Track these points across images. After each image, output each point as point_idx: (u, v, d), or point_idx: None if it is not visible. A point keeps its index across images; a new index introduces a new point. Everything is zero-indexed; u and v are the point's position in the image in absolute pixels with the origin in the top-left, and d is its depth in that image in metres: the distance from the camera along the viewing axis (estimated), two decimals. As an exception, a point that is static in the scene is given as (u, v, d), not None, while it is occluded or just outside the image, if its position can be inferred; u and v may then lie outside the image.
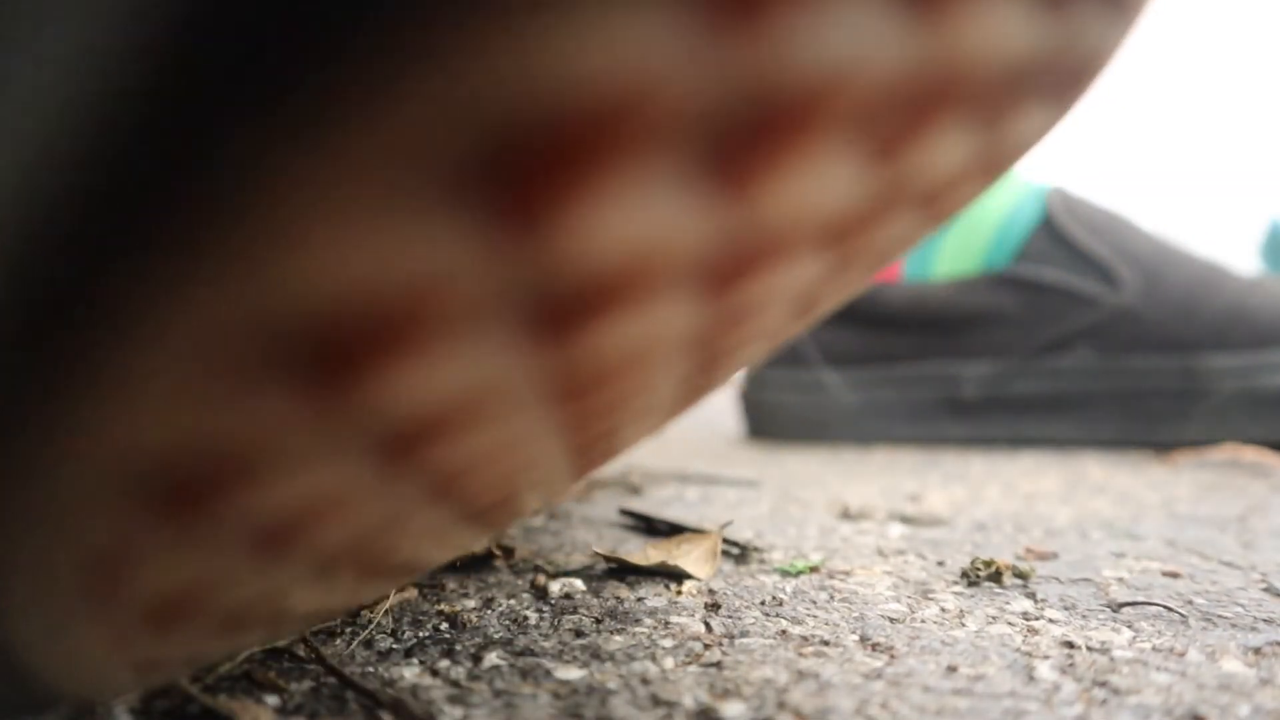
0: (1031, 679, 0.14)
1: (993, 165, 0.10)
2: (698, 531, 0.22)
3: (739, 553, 0.22)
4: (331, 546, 0.09)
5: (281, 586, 0.10)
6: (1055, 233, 0.45)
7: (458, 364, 0.07)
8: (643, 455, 0.42)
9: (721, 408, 0.70)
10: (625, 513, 0.26)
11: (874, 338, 0.48)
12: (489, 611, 0.17)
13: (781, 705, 0.13)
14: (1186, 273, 0.43)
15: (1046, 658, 0.15)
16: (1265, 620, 0.17)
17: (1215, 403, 0.42)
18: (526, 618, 0.17)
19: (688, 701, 0.13)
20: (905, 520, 0.26)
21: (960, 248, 0.47)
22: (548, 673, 0.14)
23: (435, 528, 0.11)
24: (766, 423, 0.50)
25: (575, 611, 0.17)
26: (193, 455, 0.06)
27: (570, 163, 0.06)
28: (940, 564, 0.21)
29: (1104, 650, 0.15)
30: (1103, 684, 0.14)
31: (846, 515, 0.27)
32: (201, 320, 0.06)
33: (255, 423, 0.06)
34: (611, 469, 0.36)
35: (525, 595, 0.18)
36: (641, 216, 0.06)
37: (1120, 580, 0.20)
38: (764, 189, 0.07)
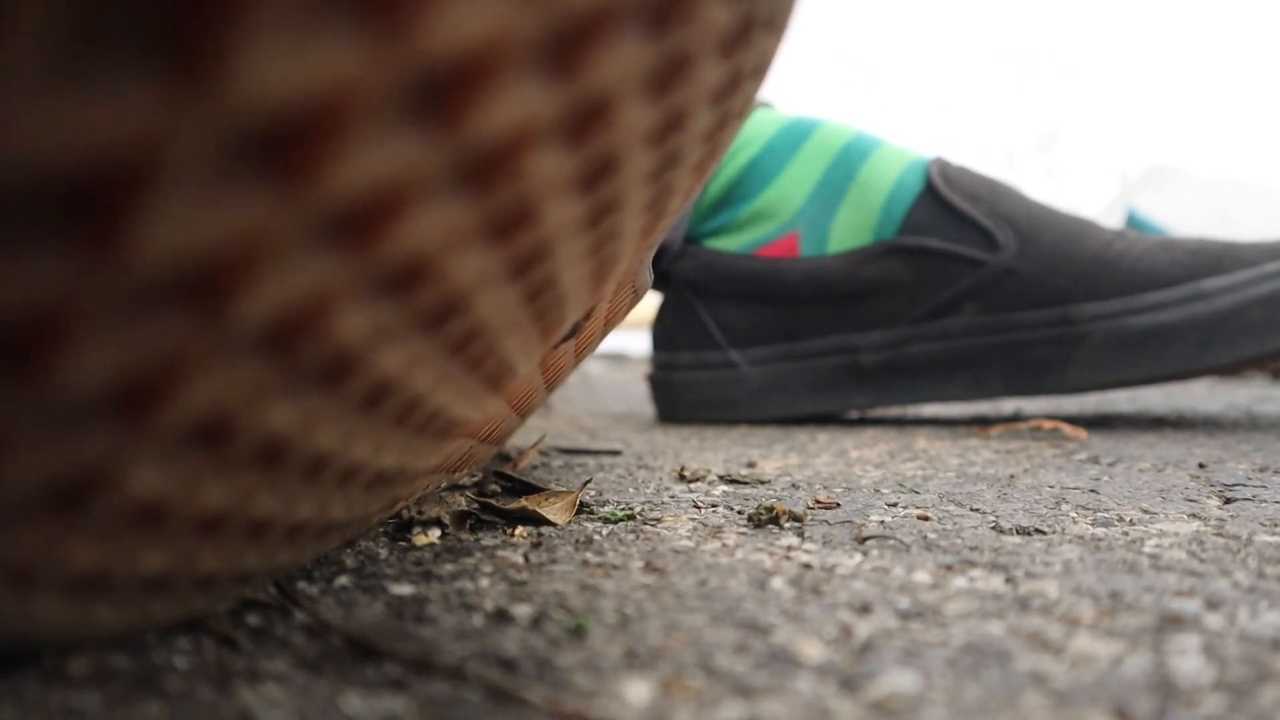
0: (763, 588, 0.18)
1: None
2: (561, 491, 0.26)
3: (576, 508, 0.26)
4: (200, 415, 0.10)
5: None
6: (936, 201, 0.49)
7: (375, 152, 0.08)
8: (521, 434, 0.45)
9: (613, 392, 0.74)
10: (497, 475, 0.30)
11: (775, 315, 0.51)
12: (348, 550, 0.21)
13: (560, 606, 0.17)
14: (1057, 230, 0.47)
15: (783, 574, 0.19)
16: (970, 548, 0.21)
17: (1090, 348, 0.46)
18: (379, 554, 0.20)
19: (488, 605, 0.17)
20: (732, 482, 0.31)
21: (852, 224, 0.50)
22: (385, 589, 0.18)
23: (326, 414, 0.12)
24: (676, 405, 0.53)
25: (419, 549, 0.21)
26: (209, 257, 0.08)
27: None
28: (740, 513, 0.25)
29: (830, 569, 0.19)
30: (814, 590, 0.18)
31: (682, 478, 0.31)
32: (188, 138, 0.07)
33: (242, 219, 0.08)
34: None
35: (383, 539, 0.22)
36: (479, 7, 0.08)
37: (880, 523, 0.24)
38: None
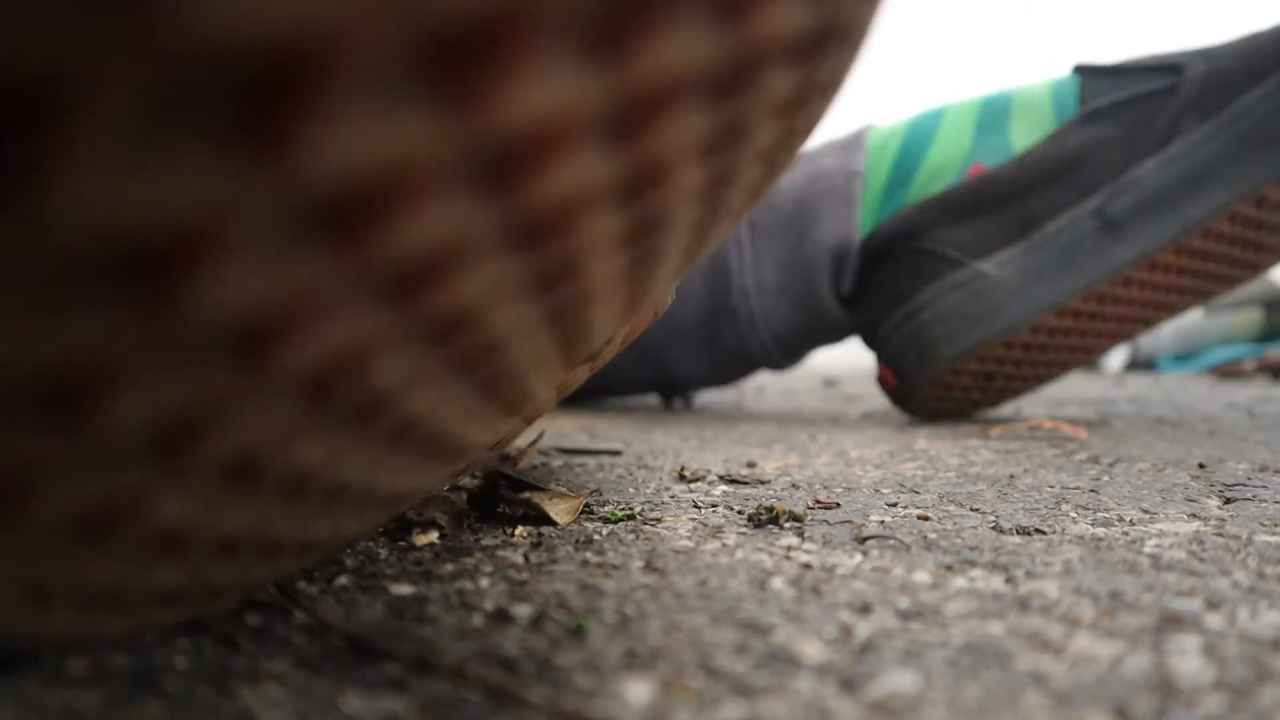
0: (763, 588, 0.18)
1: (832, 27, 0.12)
2: (564, 492, 0.26)
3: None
4: (233, 454, 0.10)
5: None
6: (1103, 74, 0.50)
7: (435, 216, 0.09)
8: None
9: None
10: (497, 474, 0.29)
11: (1005, 216, 0.50)
12: (348, 550, 0.21)
13: (560, 606, 0.17)
14: (1230, 41, 0.48)
15: (783, 574, 0.19)
16: (970, 548, 0.21)
17: None
18: (379, 554, 0.20)
19: (488, 605, 0.17)
20: (732, 482, 0.31)
21: (1029, 130, 0.51)
22: (385, 589, 0.18)
23: (354, 448, 0.12)
24: (934, 346, 0.50)
25: (419, 549, 0.21)
26: (260, 315, 0.08)
27: (493, 51, 0.07)
28: (740, 513, 0.25)
29: (830, 569, 0.19)
30: (814, 590, 0.18)
31: (682, 478, 0.31)
32: (256, 206, 0.07)
33: (300, 278, 0.08)
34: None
35: (382, 539, 0.22)
36: (552, 85, 0.08)
37: (880, 523, 0.24)
38: (640, 52, 0.09)
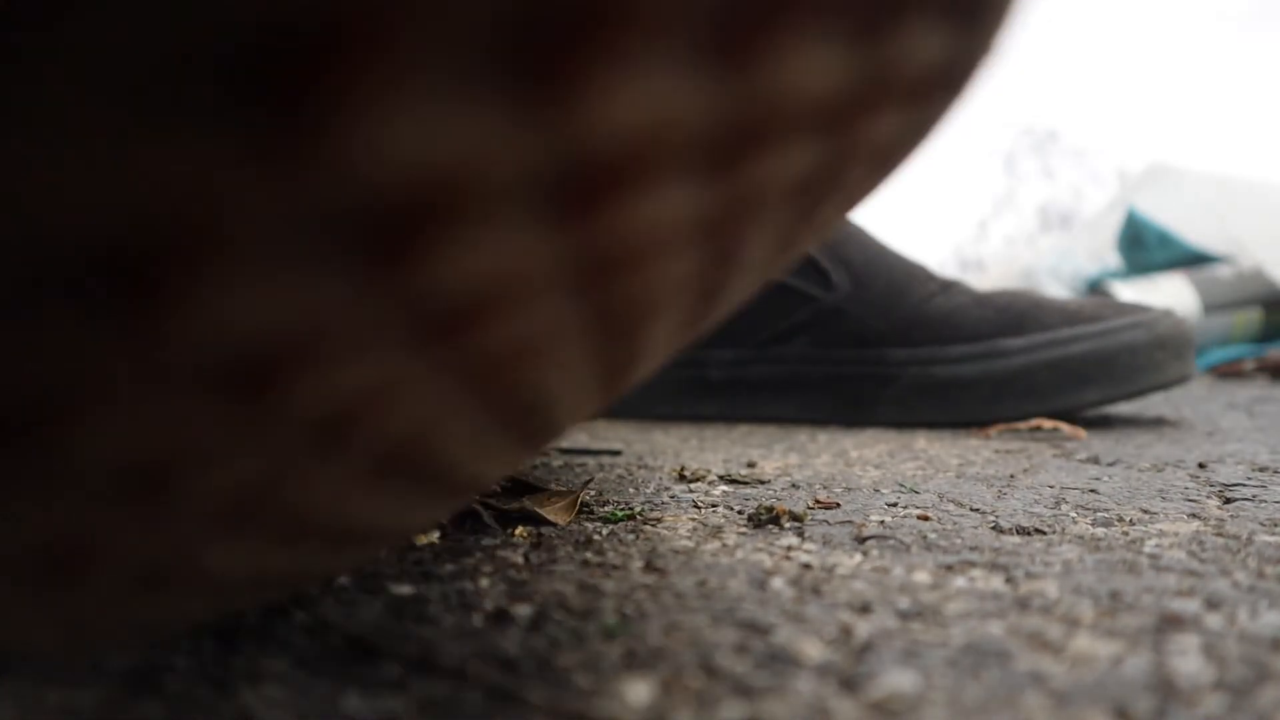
0: (763, 588, 0.18)
1: (963, 66, 0.11)
2: (561, 491, 0.26)
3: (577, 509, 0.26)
4: (386, 441, 0.09)
5: (341, 490, 0.10)
6: None
7: (491, 243, 0.07)
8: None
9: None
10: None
11: None
12: (348, 550, 0.21)
13: (560, 606, 0.17)
14: (887, 278, 0.51)
15: (783, 574, 0.19)
16: (970, 548, 0.21)
17: (898, 388, 0.50)
18: (379, 554, 0.20)
19: (488, 605, 0.17)
20: (732, 482, 0.31)
21: None
22: (385, 589, 0.18)
23: (480, 433, 0.11)
24: None
25: (419, 549, 0.21)
26: (261, 342, 0.07)
27: (588, 40, 0.06)
28: (740, 513, 0.25)
29: (830, 569, 0.19)
30: (814, 590, 0.18)
31: (682, 478, 0.31)
32: (271, 210, 0.06)
33: (317, 305, 0.07)
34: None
35: (382, 539, 0.22)
36: (652, 92, 0.07)
37: (880, 523, 0.24)
38: (760, 67, 0.07)
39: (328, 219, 0.06)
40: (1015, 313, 0.49)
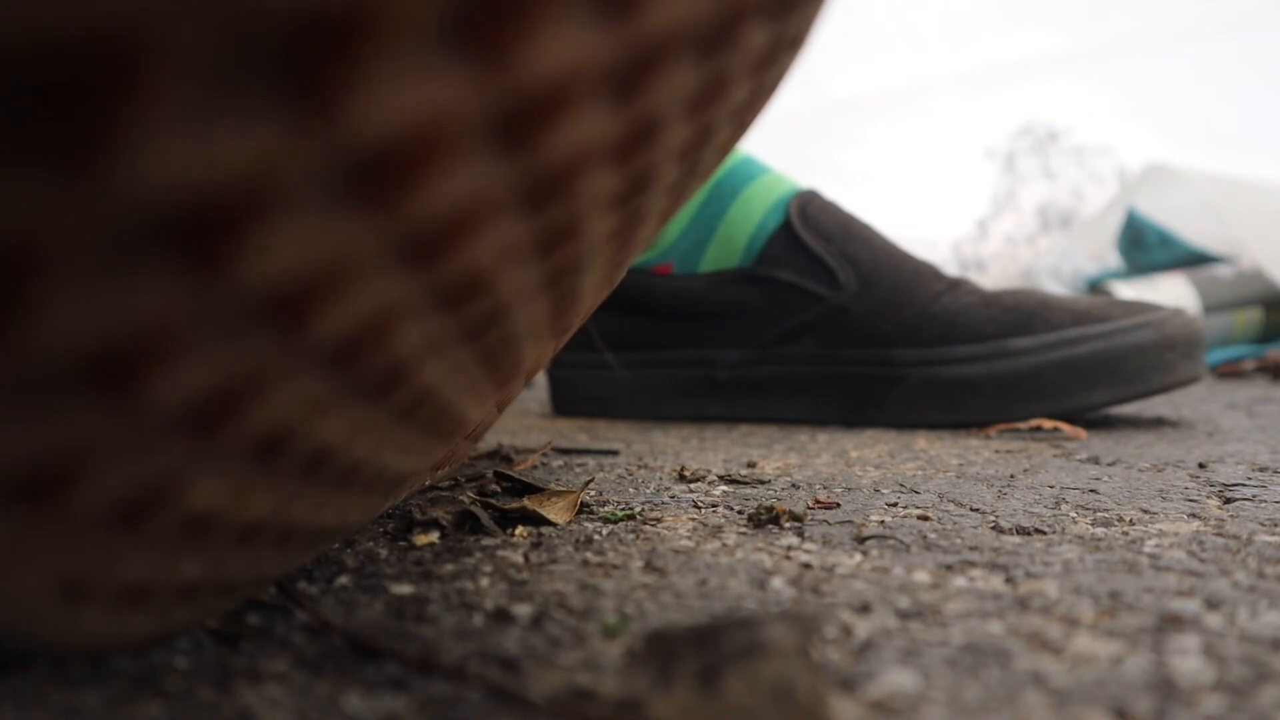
0: (763, 588, 0.18)
1: None
2: (561, 491, 0.26)
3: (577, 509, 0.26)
4: (265, 430, 0.10)
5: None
6: (791, 237, 0.52)
7: (303, 233, 0.08)
8: (526, 437, 0.45)
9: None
10: (497, 475, 0.30)
11: (646, 325, 0.55)
12: (348, 550, 0.21)
13: (560, 606, 0.17)
14: (894, 277, 0.51)
15: (783, 574, 0.19)
16: (970, 548, 0.21)
17: (905, 389, 0.49)
18: (379, 554, 0.20)
19: (488, 605, 0.17)
20: (732, 482, 0.31)
21: (722, 250, 0.54)
22: (385, 589, 0.18)
23: (371, 423, 0.12)
24: (560, 399, 0.58)
25: (419, 549, 0.21)
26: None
27: (343, 53, 0.07)
28: (740, 513, 0.25)
29: (830, 569, 0.19)
30: (814, 590, 0.18)
31: (682, 478, 0.31)
32: (90, 219, 0.07)
33: (155, 304, 0.07)
34: (485, 443, 0.39)
35: (382, 538, 0.22)
36: (567, 42, 0.09)
37: (880, 523, 0.24)
38: (644, 8, 0.09)
39: (340, 171, 0.07)
40: (1023, 312, 0.49)
